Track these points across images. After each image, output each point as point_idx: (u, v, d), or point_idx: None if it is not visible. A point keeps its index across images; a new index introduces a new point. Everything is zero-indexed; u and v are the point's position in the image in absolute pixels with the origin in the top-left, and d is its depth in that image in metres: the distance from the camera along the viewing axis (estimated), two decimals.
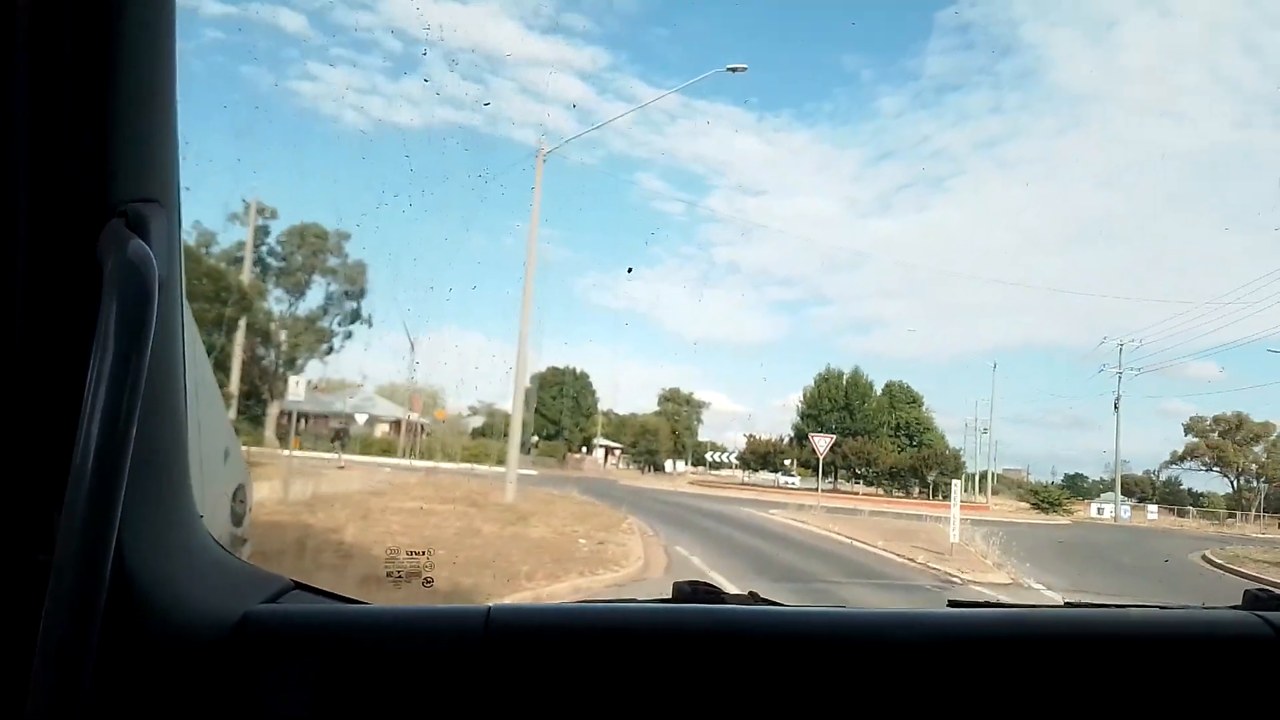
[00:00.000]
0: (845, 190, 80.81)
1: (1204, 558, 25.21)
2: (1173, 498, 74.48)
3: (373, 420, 58.87)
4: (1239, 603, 1.62)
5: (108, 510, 0.91)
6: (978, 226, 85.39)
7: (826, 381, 65.09)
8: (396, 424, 56.15)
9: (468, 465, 42.55)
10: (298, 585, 1.49)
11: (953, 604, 1.54)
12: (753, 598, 1.55)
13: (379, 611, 1.36)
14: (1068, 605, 1.61)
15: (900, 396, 67.18)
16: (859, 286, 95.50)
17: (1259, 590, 1.62)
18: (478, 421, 66.37)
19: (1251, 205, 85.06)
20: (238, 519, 2.20)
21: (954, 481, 19.28)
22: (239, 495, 2.23)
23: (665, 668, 1.27)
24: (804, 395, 65.83)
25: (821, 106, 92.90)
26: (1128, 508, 59.47)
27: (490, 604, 1.32)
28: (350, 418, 54.61)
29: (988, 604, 1.62)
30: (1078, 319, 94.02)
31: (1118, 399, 58.20)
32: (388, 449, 52.31)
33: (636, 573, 12.99)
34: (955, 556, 16.95)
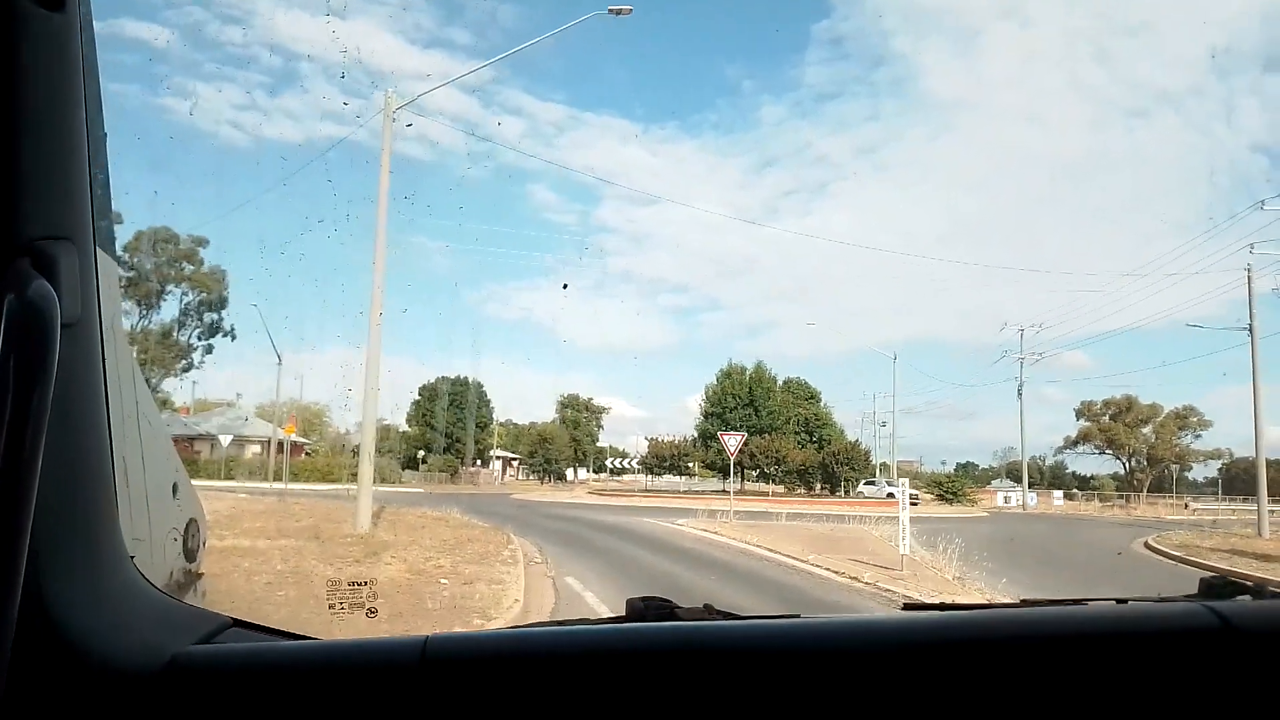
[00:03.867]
0: (732, 198, 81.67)
1: (1147, 545, 23.40)
2: (1059, 482, 75.59)
3: (241, 441, 54.15)
4: (1194, 591, 1.60)
5: (12, 555, 0.91)
6: (860, 229, 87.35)
7: (730, 377, 62.72)
8: (267, 444, 51.80)
9: (345, 486, 38.62)
10: (237, 623, 1.46)
11: (908, 606, 1.54)
12: (708, 611, 1.51)
13: (313, 647, 1.34)
14: (1023, 603, 1.59)
15: (799, 393, 65.67)
16: (750, 291, 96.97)
17: (1213, 577, 1.60)
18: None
19: (1109, 204, 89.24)
20: (190, 554, 2.12)
21: (902, 480, 16.32)
22: (190, 529, 2.15)
23: (618, 691, 1.22)
24: (706, 393, 63.40)
25: (706, 117, 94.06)
26: (1034, 495, 59.06)
27: (428, 634, 1.28)
28: (214, 439, 49.77)
29: (943, 605, 1.57)
30: (958, 314, 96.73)
31: (1020, 385, 57.52)
32: (256, 471, 48.00)
33: (510, 623, 9.58)
34: (908, 571, 13.98)
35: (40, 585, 1.03)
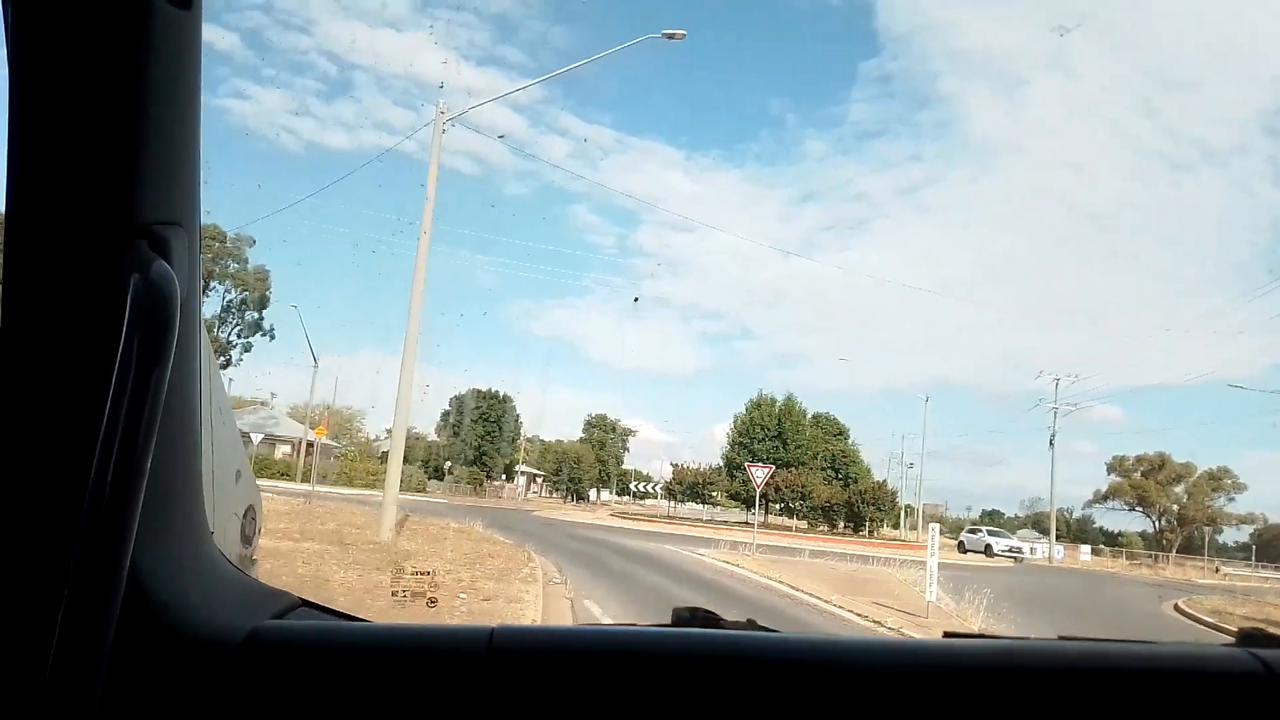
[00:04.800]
0: (770, 229, 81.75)
1: (1177, 609, 22.84)
2: (1085, 536, 74.21)
3: (272, 440, 54.56)
4: (1232, 641, 1.58)
5: (123, 526, 0.95)
6: (896, 268, 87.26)
7: (759, 408, 62.32)
8: (297, 445, 52.10)
9: (372, 491, 38.70)
10: (304, 603, 1.51)
11: (948, 634, 1.53)
12: (751, 625, 1.53)
13: (384, 630, 1.38)
14: (1061, 639, 1.55)
15: (828, 428, 65.11)
16: (783, 322, 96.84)
17: (1253, 629, 1.59)
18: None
19: (1148, 257, 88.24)
20: (247, 538, 2.18)
21: (933, 525, 15.97)
22: (249, 515, 2.20)
23: (666, 691, 1.27)
24: (735, 422, 63.03)
25: (749, 147, 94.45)
26: (1061, 548, 57.90)
27: (494, 625, 1.32)
28: (246, 436, 50.18)
29: (982, 635, 1.56)
30: (989, 358, 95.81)
31: (1053, 435, 56.71)
32: (286, 471, 48.30)
33: None
34: (933, 619, 13.73)
35: (137, 557, 1.05)
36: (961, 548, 48.30)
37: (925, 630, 12.75)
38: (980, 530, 52.29)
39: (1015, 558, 46.01)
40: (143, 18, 1.02)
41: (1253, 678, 1.38)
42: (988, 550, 46.82)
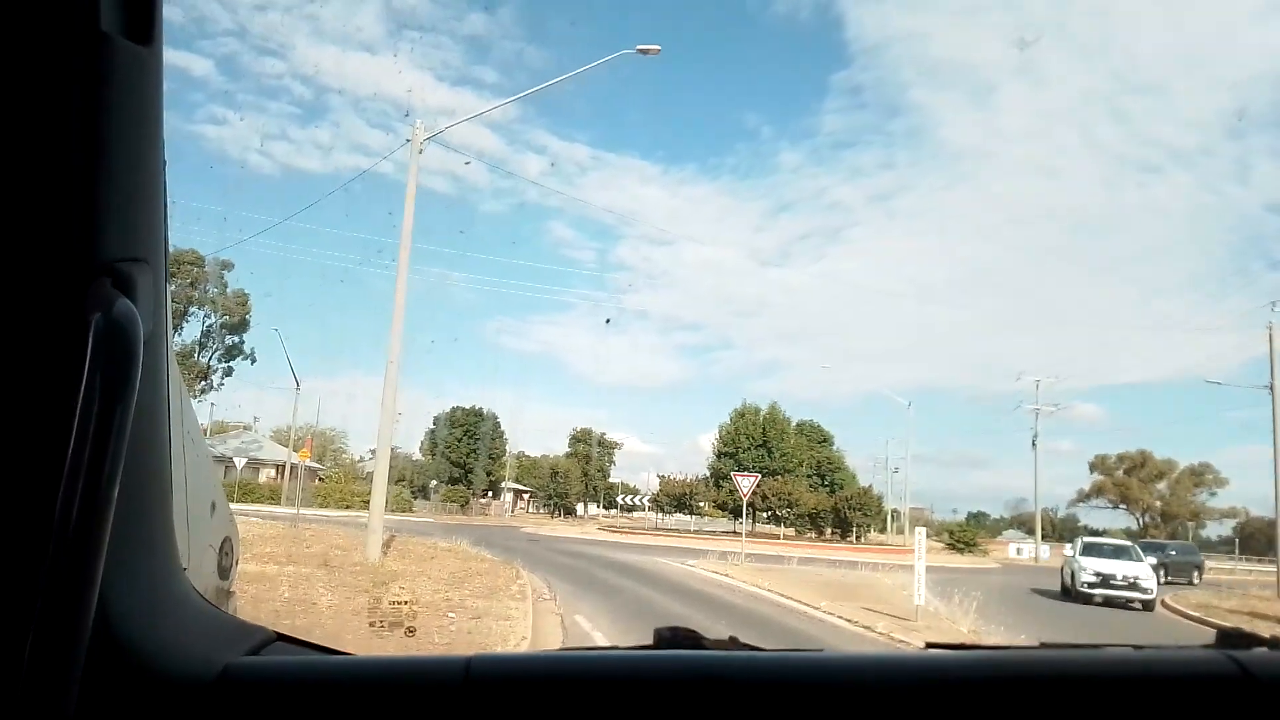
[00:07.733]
0: (747, 240, 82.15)
1: (1164, 605, 23.01)
2: (1071, 535, 74.72)
3: (256, 464, 54.22)
4: (1211, 642, 1.60)
5: (89, 564, 0.94)
6: (872, 275, 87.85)
7: (744, 417, 62.29)
8: (281, 468, 51.82)
9: (357, 512, 38.47)
10: (280, 637, 1.52)
11: (930, 645, 1.56)
12: (733, 643, 1.53)
13: (359, 663, 1.38)
14: (1043, 646, 1.59)
15: (812, 435, 65.23)
16: (763, 331, 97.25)
17: (1231, 629, 1.62)
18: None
19: (1121, 258, 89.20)
20: (224, 571, 2.18)
21: (919, 529, 15.97)
22: (225, 548, 2.19)
23: (647, 715, 1.27)
24: (720, 432, 62.96)
25: (724, 161, 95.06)
26: (1047, 547, 58.13)
27: (471, 654, 1.32)
28: (229, 461, 49.83)
29: (964, 645, 1.58)
30: (969, 362, 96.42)
31: (1035, 436, 57.01)
32: (271, 495, 48.03)
33: None
34: (922, 622, 13.77)
35: (105, 594, 1.05)
36: (1065, 589, 24.77)
37: (914, 632, 12.82)
38: (1071, 547, 27.78)
39: (1142, 599, 22.19)
40: (101, 54, 1.01)
41: (1229, 680, 1.41)
42: (1072, 583, 24.20)
